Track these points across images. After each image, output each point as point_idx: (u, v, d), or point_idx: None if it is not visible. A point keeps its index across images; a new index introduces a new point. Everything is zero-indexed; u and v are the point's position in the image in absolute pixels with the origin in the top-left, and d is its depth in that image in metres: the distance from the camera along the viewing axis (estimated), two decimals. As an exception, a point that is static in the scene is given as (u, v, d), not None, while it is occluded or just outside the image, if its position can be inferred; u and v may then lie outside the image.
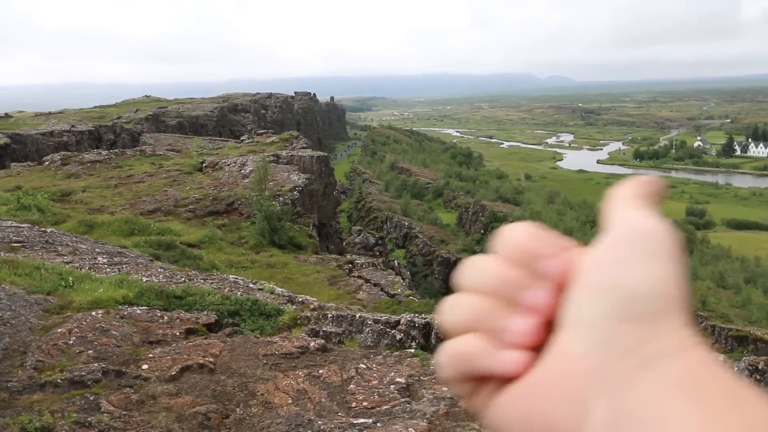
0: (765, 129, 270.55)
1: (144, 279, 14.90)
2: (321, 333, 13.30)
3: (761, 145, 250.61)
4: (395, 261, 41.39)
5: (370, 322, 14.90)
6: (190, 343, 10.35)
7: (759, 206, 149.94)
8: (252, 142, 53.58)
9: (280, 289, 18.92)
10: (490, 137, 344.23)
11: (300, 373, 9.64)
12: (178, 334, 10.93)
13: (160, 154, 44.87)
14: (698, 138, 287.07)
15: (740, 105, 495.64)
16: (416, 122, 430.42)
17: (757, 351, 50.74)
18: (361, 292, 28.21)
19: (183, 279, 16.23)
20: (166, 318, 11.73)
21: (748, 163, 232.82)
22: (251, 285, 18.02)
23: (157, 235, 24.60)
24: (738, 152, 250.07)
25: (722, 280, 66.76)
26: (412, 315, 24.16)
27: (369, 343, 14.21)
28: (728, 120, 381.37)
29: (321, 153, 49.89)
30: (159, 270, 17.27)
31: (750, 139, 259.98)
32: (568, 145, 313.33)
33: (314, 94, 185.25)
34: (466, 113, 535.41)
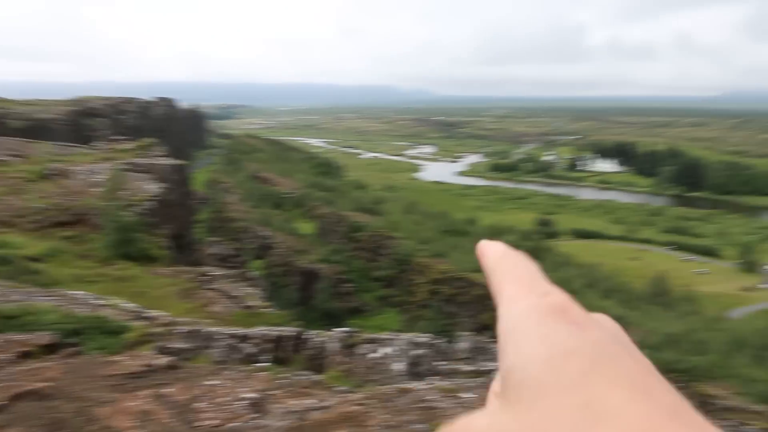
0: (606, 146, 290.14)
1: (-29, 299, 14.11)
2: (170, 350, 13.16)
3: (602, 160, 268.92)
4: (252, 272, 41.20)
5: (222, 337, 14.95)
6: (24, 368, 9.87)
7: (600, 216, 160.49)
8: (106, 149, 51.62)
9: (129, 305, 18.47)
10: (353, 148, 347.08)
11: (145, 393, 9.48)
12: (10, 358, 10.30)
13: (2, 159, 42.33)
14: (549, 152, 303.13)
15: (587, 123, 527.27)
16: (280, 131, 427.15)
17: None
18: (215, 305, 27.95)
19: (20, 297, 15.38)
20: (-2, 341, 10.89)
21: (591, 177, 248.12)
22: (97, 301, 17.47)
23: (-6, 248, 23.17)
24: (583, 167, 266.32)
25: (566, 285, 69.24)
26: (266, 328, 24.29)
27: (220, 358, 14.25)
28: (575, 137, 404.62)
29: (179, 162, 48.78)
30: (-9, 288, 16.33)
31: (593, 155, 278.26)
32: (428, 156, 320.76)
33: (175, 100, 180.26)
34: (330, 123, 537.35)
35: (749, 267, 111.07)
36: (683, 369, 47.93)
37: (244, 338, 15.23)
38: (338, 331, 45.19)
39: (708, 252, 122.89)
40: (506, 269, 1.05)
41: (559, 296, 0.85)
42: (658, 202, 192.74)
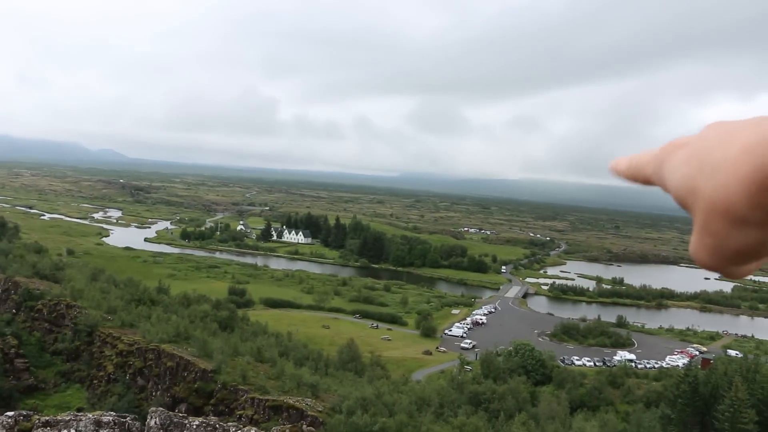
0: (297, 218, 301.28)
1: None
2: None
3: (293, 231, 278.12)
4: None
5: None
6: None
7: (291, 286, 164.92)
8: None
9: None
10: (30, 207, 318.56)
11: None
12: None
13: None
14: (241, 222, 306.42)
15: (277, 195, 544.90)
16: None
17: (290, 417, 54.95)
18: None
19: None
20: None
21: (282, 247, 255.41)
22: None
23: None
24: (275, 237, 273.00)
25: (260, 355, 70.77)
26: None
27: None
28: (267, 207, 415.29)
29: None
30: None
31: (284, 226, 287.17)
32: (115, 221, 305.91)
33: None
34: (3, 178, 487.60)
35: (428, 332, 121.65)
36: (375, 431, 50.29)
37: None
38: (7, 416, 39.39)
39: (392, 319, 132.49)
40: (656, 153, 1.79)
41: None
42: (345, 272, 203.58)
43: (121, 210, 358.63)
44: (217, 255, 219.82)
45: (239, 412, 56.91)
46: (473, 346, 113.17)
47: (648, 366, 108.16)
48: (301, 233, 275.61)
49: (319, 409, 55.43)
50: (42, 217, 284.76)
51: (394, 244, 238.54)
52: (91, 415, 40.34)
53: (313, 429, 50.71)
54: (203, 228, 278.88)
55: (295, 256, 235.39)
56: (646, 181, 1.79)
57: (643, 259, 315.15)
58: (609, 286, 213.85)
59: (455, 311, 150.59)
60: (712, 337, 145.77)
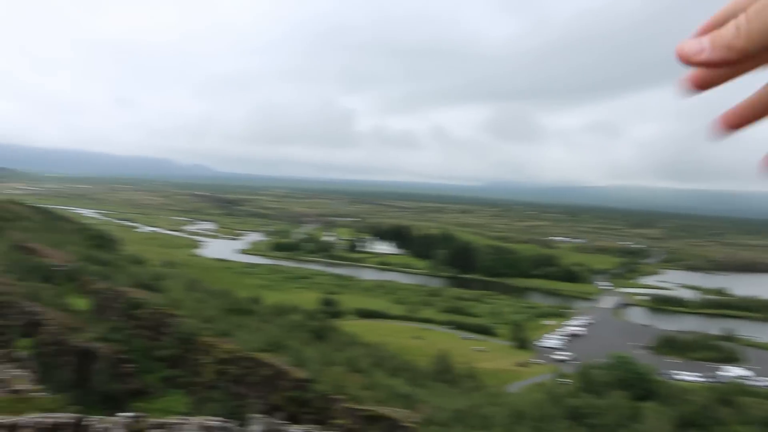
0: (384, 228, 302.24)
1: None
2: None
3: (381, 242, 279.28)
4: (20, 352, 36.76)
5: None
6: None
7: (381, 296, 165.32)
8: None
9: None
10: (129, 221, 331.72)
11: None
12: None
13: None
14: (329, 233, 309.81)
15: (364, 206, 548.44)
16: (48, 199, 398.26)
17: (386, 427, 54.55)
18: (-19, 390, 24.29)
19: None
20: None
21: (371, 257, 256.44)
22: None
23: None
24: (363, 247, 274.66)
25: (353, 365, 70.76)
26: (40, 415, 21.18)
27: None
28: (354, 218, 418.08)
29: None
30: None
31: (372, 237, 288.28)
32: (209, 233, 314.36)
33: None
34: (104, 194, 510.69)
35: (521, 344, 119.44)
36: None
37: (13, 428, 12.96)
38: (123, 416, 41.01)
39: (484, 330, 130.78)
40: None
41: None
42: (434, 283, 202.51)
43: (213, 222, 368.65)
44: (308, 266, 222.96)
45: (335, 421, 56.88)
46: (569, 358, 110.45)
47: (765, 384, 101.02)
48: (389, 244, 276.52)
49: (414, 420, 54.80)
50: (140, 230, 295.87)
51: (482, 254, 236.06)
52: (196, 419, 41.09)
53: (410, 440, 50.13)
54: (293, 239, 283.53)
55: (384, 267, 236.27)
56: (743, 59, 1.42)
57: (749, 267, 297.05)
58: (712, 297, 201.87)
59: (548, 322, 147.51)
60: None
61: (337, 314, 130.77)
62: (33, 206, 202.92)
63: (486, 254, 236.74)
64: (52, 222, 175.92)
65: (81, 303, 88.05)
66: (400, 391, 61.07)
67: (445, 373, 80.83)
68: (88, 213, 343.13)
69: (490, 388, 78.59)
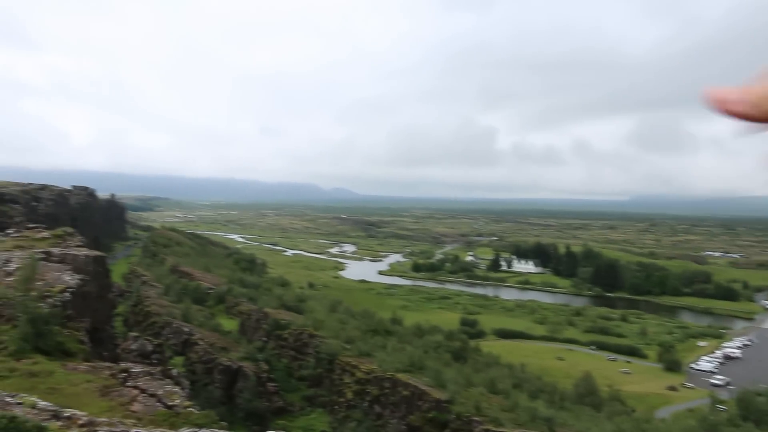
0: (525, 247, 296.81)
1: None
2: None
3: (523, 261, 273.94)
4: (174, 369, 38.75)
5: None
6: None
7: (522, 316, 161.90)
8: (20, 236, 48.83)
9: (43, 403, 16.65)
10: (275, 245, 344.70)
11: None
12: None
13: None
14: (470, 253, 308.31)
15: (505, 224, 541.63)
16: (200, 225, 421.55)
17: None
18: (136, 404, 25.76)
19: None
20: None
21: (512, 277, 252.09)
22: (8, 398, 15.59)
23: None
24: (504, 267, 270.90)
25: (493, 386, 69.75)
26: (191, 429, 22.18)
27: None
28: (495, 238, 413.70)
29: (97, 253, 46.41)
30: None
31: (513, 256, 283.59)
32: (351, 255, 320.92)
33: (93, 190, 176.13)
34: (252, 219, 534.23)
35: (671, 366, 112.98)
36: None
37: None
38: (271, 432, 42.26)
39: (630, 351, 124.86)
40: None
41: None
42: (578, 302, 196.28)
43: (354, 245, 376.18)
44: (448, 286, 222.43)
45: (474, 444, 56.14)
46: (726, 383, 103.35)
47: None
48: (530, 262, 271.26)
49: (557, 445, 53.13)
50: (285, 253, 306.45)
51: (629, 272, 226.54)
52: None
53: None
54: (433, 260, 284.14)
55: (526, 286, 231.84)
56: None
57: None
58: None
59: (702, 343, 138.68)
60: None
61: (477, 335, 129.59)
62: (187, 232, 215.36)
63: (633, 271, 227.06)
64: (203, 247, 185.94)
65: (229, 323, 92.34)
66: (541, 414, 59.48)
67: (589, 396, 77.97)
68: (236, 238, 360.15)
69: (637, 413, 74.90)
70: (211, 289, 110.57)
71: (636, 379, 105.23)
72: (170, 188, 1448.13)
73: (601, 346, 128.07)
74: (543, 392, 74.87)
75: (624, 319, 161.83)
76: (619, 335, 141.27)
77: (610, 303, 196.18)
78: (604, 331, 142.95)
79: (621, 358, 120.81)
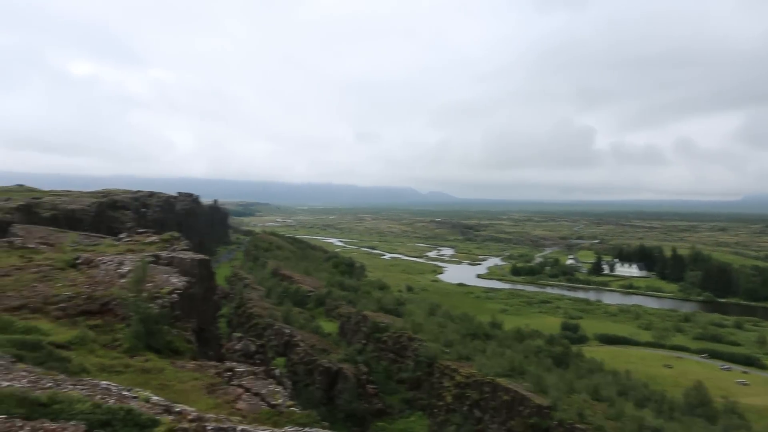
0: (629, 250, 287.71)
1: (4, 383, 13.16)
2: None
3: (626, 265, 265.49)
4: (276, 369, 39.44)
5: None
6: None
7: (626, 322, 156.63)
8: (131, 240, 50.90)
9: (156, 398, 17.17)
10: (373, 248, 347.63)
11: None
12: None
13: (31, 247, 41.67)
14: (570, 256, 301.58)
15: (606, 227, 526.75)
16: (299, 230, 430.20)
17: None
18: (240, 402, 26.30)
19: (49, 384, 14.40)
20: (27, 428, 10.42)
21: (615, 281, 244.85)
22: (125, 392, 16.20)
23: (22, 333, 22.10)
24: (606, 270, 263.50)
25: (597, 393, 67.79)
26: (295, 428, 22.39)
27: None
28: (596, 241, 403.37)
29: (202, 256, 47.84)
30: (22, 374, 15.35)
31: (616, 259, 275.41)
32: (449, 258, 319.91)
33: (197, 196, 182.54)
34: (350, 223, 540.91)
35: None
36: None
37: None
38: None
39: (747, 361, 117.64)
40: None
41: None
42: (686, 307, 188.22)
43: (453, 248, 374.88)
44: (548, 290, 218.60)
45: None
46: None
47: None
48: (634, 266, 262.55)
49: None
50: (383, 257, 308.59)
51: (743, 276, 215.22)
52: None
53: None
54: (532, 263, 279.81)
55: (629, 290, 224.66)
56: None
57: None
58: None
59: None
60: None
61: (579, 340, 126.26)
62: (287, 237, 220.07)
63: (748, 275, 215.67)
64: (303, 251, 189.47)
65: (329, 326, 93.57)
66: (648, 424, 57.24)
67: (701, 407, 74.37)
68: (335, 242, 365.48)
69: (756, 427, 70.79)
70: (311, 292, 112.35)
71: (755, 391, 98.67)
72: (270, 194, 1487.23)
73: (714, 355, 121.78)
74: (650, 401, 72.10)
75: (739, 326, 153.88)
76: (734, 343, 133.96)
77: (721, 309, 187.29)
78: (716, 339, 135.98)
79: (737, 367, 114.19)
